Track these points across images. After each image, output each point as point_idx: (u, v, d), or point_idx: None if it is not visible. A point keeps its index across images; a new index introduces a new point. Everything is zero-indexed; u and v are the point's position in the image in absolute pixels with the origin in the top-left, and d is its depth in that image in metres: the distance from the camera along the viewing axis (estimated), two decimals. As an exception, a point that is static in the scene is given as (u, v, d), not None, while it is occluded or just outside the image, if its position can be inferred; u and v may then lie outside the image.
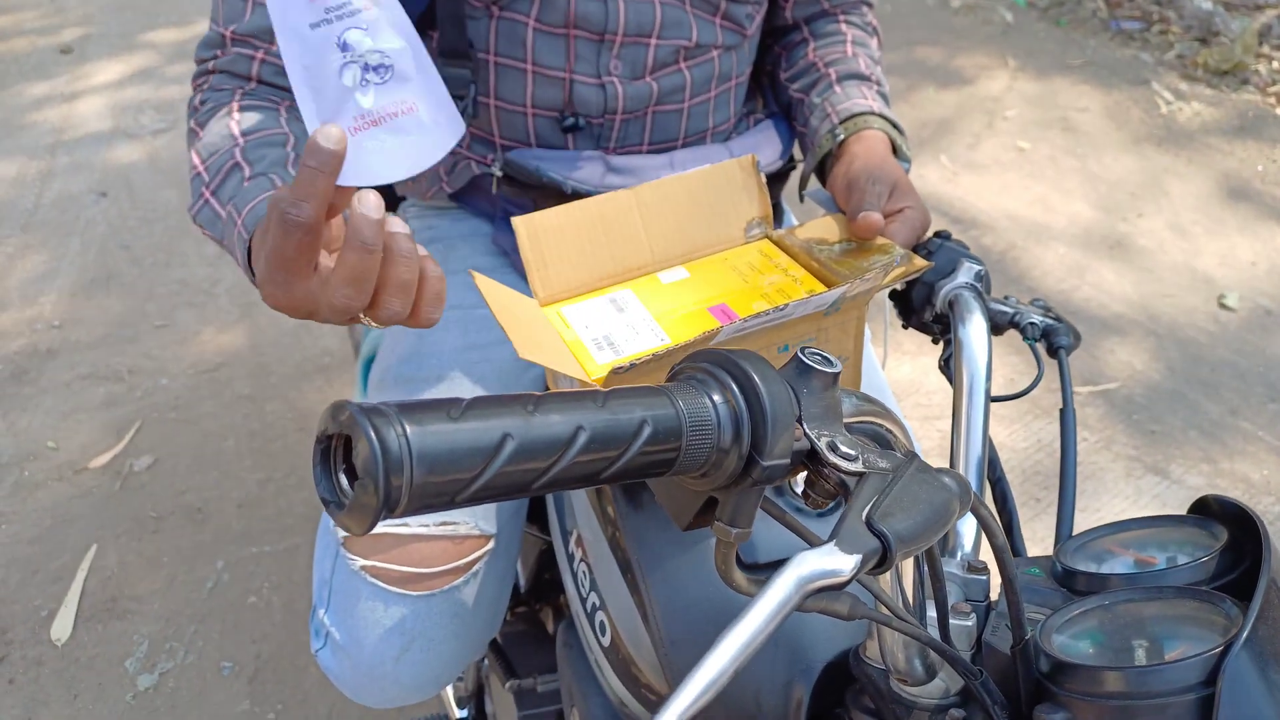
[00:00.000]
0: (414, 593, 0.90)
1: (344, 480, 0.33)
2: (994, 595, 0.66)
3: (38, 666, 1.73)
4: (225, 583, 1.86)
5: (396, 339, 1.03)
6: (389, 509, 0.31)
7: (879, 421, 0.45)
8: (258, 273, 0.64)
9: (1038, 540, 1.90)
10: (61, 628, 1.78)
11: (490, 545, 0.93)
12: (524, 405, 0.34)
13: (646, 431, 0.36)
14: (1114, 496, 2.00)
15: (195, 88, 0.91)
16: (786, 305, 0.69)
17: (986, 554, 0.69)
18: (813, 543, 0.40)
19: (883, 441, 0.45)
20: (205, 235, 0.85)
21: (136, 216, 2.90)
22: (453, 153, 1.04)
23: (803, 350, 0.41)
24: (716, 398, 0.38)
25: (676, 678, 0.71)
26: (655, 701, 0.77)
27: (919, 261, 0.79)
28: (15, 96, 3.58)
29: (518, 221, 0.81)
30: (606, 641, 0.79)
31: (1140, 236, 2.74)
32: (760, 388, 0.38)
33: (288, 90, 0.90)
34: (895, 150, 0.99)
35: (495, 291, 0.76)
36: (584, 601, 0.83)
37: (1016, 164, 3.07)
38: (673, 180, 0.87)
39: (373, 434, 0.30)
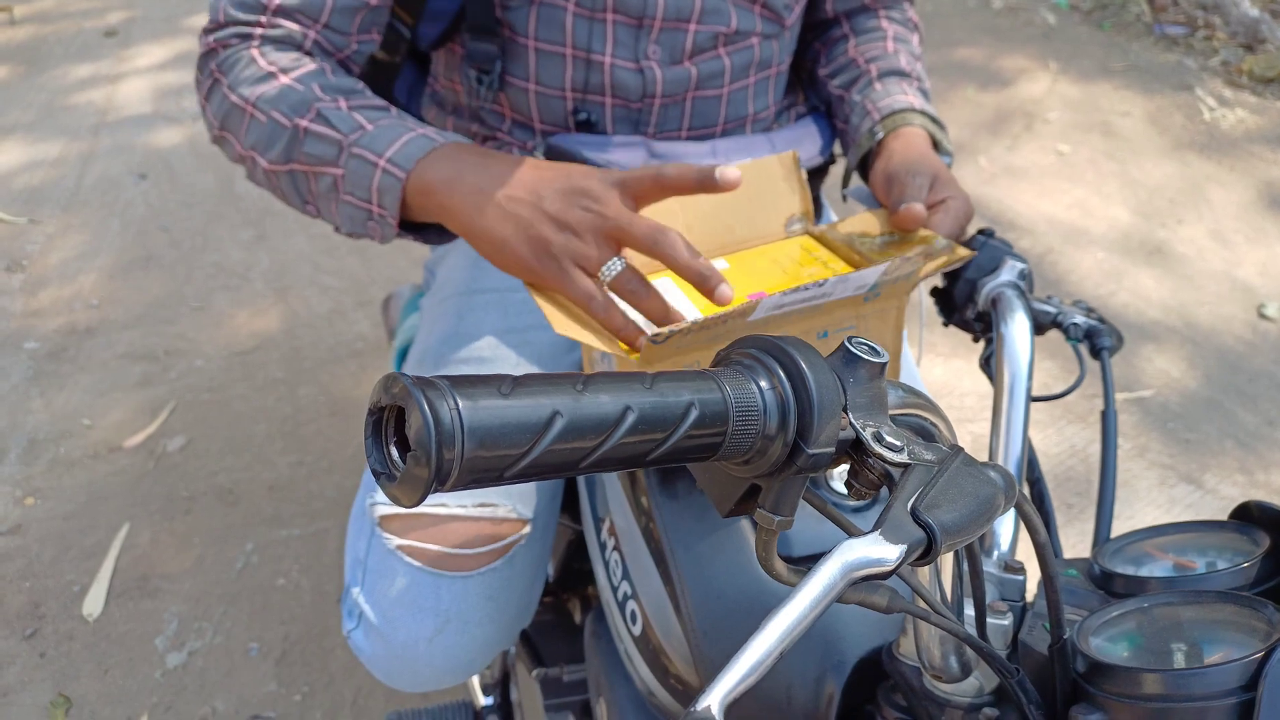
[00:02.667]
0: (450, 573, 0.90)
1: (395, 452, 0.34)
2: (1029, 596, 0.66)
3: (69, 641, 1.76)
4: (255, 564, 1.88)
5: (436, 320, 1.04)
6: (440, 482, 0.31)
7: (923, 414, 0.45)
8: (460, 192, 0.76)
9: (1070, 546, 1.88)
10: (93, 603, 1.81)
11: (527, 529, 0.93)
12: (573, 384, 0.34)
13: (693, 415, 0.36)
14: (1147, 504, 1.97)
15: (221, 45, 0.90)
16: (826, 281, 0.68)
17: (1021, 555, 0.69)
18: (854, 534, 0.40)
19: (926, 434, 0.45)
20: (274, 170, 0.87)
21: (176, 199, 2.94)
22: (494, 137, 1.05)
23: (850, 340, 0.41)
24: (763, 384, 0.38)
25: (707, 668, 0.71)
26: (683, 692, 0.77)
27: (962, 251, 0.79)
28: (59, 78, 3.64)
29: None
30: (637, 630, 0.79)
31: (1179, 243, 2.70)
32: (808, 375, 0.38)
33: (334, 64, 0.93)
34: (936, 145, 0.98)
35: None
36: (615, 590, 0.83)
37: (1056, 167, 3.04)
38: None
39: (426, 406, 0.31)
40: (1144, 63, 3.61)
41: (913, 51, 1.09)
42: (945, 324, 0.86)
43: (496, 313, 1.01)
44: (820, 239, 0.88)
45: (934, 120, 1.00)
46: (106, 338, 2.42)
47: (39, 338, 2.43)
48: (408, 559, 0.90)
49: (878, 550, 0.36)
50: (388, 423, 0.34)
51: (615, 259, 0.73)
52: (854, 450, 0.40)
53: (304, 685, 1.68)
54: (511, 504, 0.93)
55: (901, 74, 1.05)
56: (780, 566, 0.41)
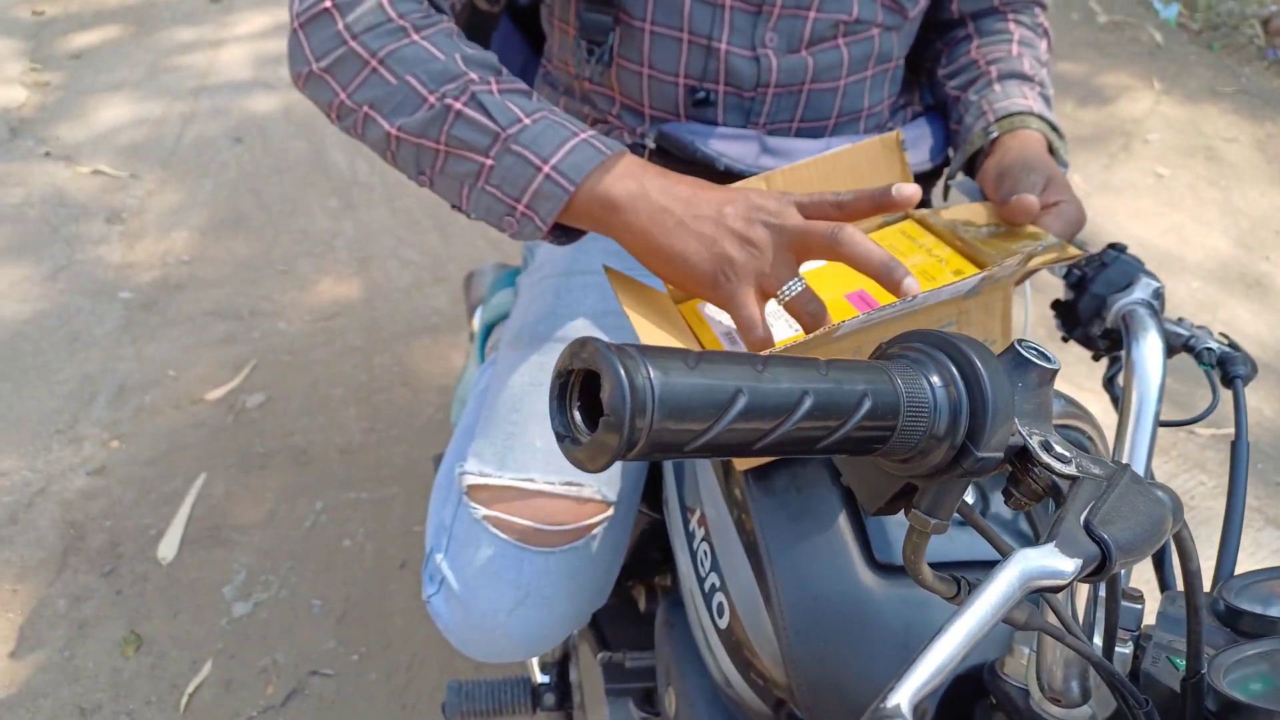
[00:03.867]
0: (534, 548, 0.90)
1: (579, 417, 0.33)
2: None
3: (143, 582, 1.81)
4: (323, 524, 1.91)
5: (533, 299, 1.04)
6: (628, 449, 0.31)
7: (1082, 427, 0.43)
8: (645, 204, 0.75)
9: (1143, 581, 1.82)
10: (168, 548, 1.86)
11: (610, 512, 0.93)
12: (753, 364, 0.33)
13: (866, 406, 0.35)
14: (1229, 545, 1.90)
15: None
16: (917, 298, 0.66)
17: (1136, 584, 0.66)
18: (1003, 550, 0.39)
19: (1082, 448, 0.43)
20: (403, 138, 0.82)
21: (268, 165, 3.00)
22: (604, 121, 1.04)
23: (1020, 343, 0.39)
24: (935, 380, 0.37)
25: (796, 668, 0.70)
26: (764, 686, 0.76)
27: (1072, 249, 0.75)
28: (164, 40, 3.73)
29: None
30: (724, 623, 0.79)
31: (1281, 278, 2.61)
32: (983, 375, 0.36)
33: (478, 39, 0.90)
34: (1053, 152, 0.96)
35: (627, 285, 0.77)
36: (702, 581, 0.83)
37: (1153, 190, 2.95)
38: (808, 163, 0.84)
39: (622, 373, 0.30)
40: (1254, 87, 3.48)
41: (1038, 57, 1.06)
42: (1065, 339, 0.83)
43: (594, 295, 1.00)
44: (923, 223, 0.85)
45: (1053, 127, 0.97)
46: (195, 294, 2.48)
47: (133, 288, 2.50)
48: (493, 530, 0.91)
49: (1054, 561, 0.35)
50: (573, 387, 0.33)
51: (796, 279, 0.72)
52: (1018, 458, 0.39)
53: (362, 646, 1.71)
54: (597, 485, 0.93)
55: (1023, 77, 1.02)
56: (928, 573, 0.39)
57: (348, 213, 2.79)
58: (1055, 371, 0.39)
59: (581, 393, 0.33)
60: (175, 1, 4.06)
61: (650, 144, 0.99)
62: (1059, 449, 0.38)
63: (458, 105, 0.79)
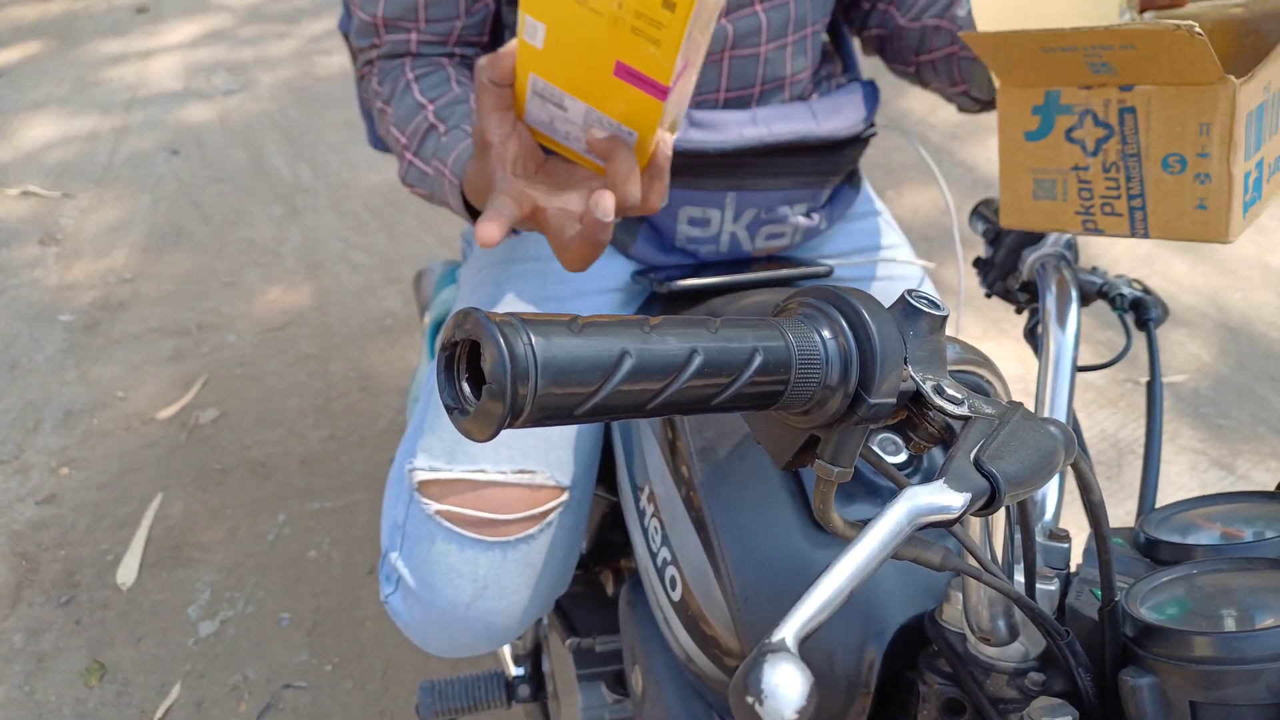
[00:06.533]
0: (489, 539, 0.91)
1: (467, 388, 0.34)
2: (1072, 566, 0.66)
3: (104, 609, 1.78)
4: (286, 536, 1.90)
5: (474, 289, 1.05)
6: (513, 416, 0.32)
7: (979, 371, 0.44)
8: (472, 190, 0.74)
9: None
10: (127, 572, 1.84)
11: (564, 497, 0.94)
12: (640, 326, 0.34)
13: (757, 361, 0.36)
14: (1177, 490, 1.96)
15: (364, 74, 0.98)
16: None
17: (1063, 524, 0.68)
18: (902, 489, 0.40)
19: (981, 391, 0.45)
20: (416, 193, 0.92)
21: (207, 175, 2.96)
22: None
23: (910, 293, 0.41)
24: (826, 333, 0.38)
25: (748, 633, 0.71)
26: (721, 657, 0.77)
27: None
28: (91, 54, 3.66)
29: None
30: (677, 596, 0.80)
31: (1215, 227, 2.67)
32: (871, 326, 0.38)
33: (445, 55, 0.96)
34: None
35: None
36: (654, 556, 0.84)
37: (1088, 149, 3.00)
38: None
39: (501, 341, 0.31)
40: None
41: None
42: (987, 295, 0.85)
43: (534, 282, 1.01)
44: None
45: None
46: (139, 311, 2.45)
47: (73, 310, 2.46)
48: (446, 524, 0.91)
49: (943, 498, 0.36)
50: (460, 358, 0.34)
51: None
52: (913, 403, 0.40)
53: (334, 656, 1.70)
54: (550, 471, 0.93)
55: None
56: (837, 520, 0.41)
57: (292, 219, 2.77)
58: (944, 318, 0.40)
59: (469, 364, 0.34)
60: (99, 14, 3.99)
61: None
62: (951, 391, 0.39)
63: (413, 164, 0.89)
